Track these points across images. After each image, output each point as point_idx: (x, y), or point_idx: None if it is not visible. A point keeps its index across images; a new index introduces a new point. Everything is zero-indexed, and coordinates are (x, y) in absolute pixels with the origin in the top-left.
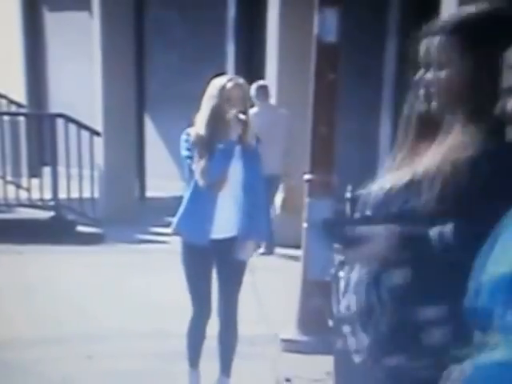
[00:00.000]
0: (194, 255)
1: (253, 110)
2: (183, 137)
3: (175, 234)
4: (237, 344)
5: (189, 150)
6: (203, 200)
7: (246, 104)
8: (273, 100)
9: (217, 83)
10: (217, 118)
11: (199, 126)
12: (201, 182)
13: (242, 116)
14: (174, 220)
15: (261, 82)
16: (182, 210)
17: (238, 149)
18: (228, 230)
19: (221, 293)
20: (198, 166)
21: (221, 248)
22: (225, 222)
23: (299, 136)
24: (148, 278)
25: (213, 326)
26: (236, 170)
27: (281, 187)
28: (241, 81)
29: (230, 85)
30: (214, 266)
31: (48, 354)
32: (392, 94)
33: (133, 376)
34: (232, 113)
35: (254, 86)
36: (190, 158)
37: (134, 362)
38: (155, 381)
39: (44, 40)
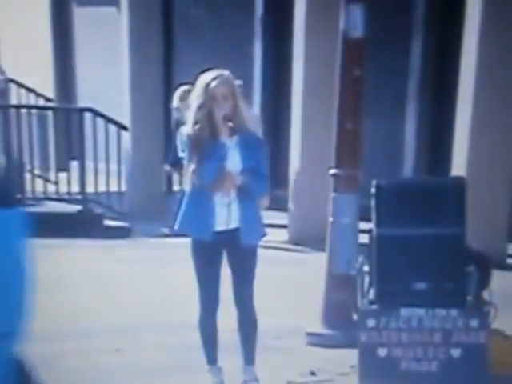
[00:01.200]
0: (202, 248)
1: None
2: (178, 137)
3: (179, 233)
4: (257, 332)
5: (183, 151)
6: (202, 196)
7: (232, 100)
8: (298, 97)
9: (202, 81)
10: (204, 118)
11: (189, 125)
12: (191, 185)
13: (230, 124)
14: (177, 219)
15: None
16: (182, 208)
17: (233, 142)
18: (232, 221)
19: (235, 283)
20: (189, 168)
21: (228, 239)
22: (227, 213)
23: None
24: (175, 271)
25: (228, 319)
26: (234, 163)
27: None
28: (225, 77)
29: (213, 84)
30: (223, 258)
31: (76, 347)
32: (417, 89)
33: (160, 369)
34: (219, 116)
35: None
36: (185, 159)
37: (162, 354)
38: (182, 373)
39: (72, 35)
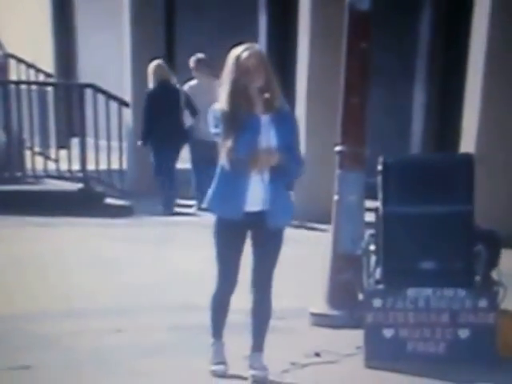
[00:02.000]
0: (227, 228)
1: (191, 83)
2: (210, 113)
3: (208, 210)
4: (270, 319)
5: (217, 126)
6: (236, 175)
7: (264, 73)
8: (303, 71)
9: (233, 55)
10: (238, 92)
11: (223, 101)
12: (228, 161)
13: (266, 95)
14: (207, 196)
15: (199, 55)
16: (214, 185)
17: (267, 119)
18: (263, 203)
19: (256, 266)
20: (225, 144)
21: (256, 220)
22: (259, 194)
23: None
24: (176, 250)
25: (240, 300)
26: (269, 138)
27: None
28: (257, 49)
29: (245, 55)
30: (246, 240)
31: (76, 327)
32: (426, 63)
33: (161, 349)
34: (254, 88)
35: (192, 59)
36: (219, 134)
37: (162, 335)
38: (182, 354)
39: (73, 8)
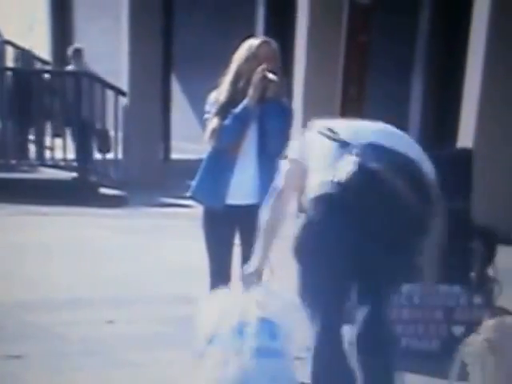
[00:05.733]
0: (213, 220)
1: (68, 68)
2: (207, 100)
3: (192, 198)
4: None
5: (208, 113)
6: (220, 164)
7: (274, 63)
8: (302, 62)
9: (246, 44)
10: (242, 78)
11: (222, 87)
12: (211, 143)
13: (271, 76)
14: (192, 183)
15: (76, 46)
16: (199, 173)
17: (262, 109)
18: (249, 196)
19: (244, 261)
20: (210, 125)
21: (242, 214)
22: (245, 187)
23: None
24: (170, 242)
25: None
26: (256, 133)
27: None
28: (271, 41)
29: (258, 43)
30: (235, 233)
31: (69, 317)
32: (424, 54)
33: (152, 340)
34: (260, 69)
35: (70, 49)
36: (208, 119)
37: (155, 326)
38: (174, 345)
39: None
